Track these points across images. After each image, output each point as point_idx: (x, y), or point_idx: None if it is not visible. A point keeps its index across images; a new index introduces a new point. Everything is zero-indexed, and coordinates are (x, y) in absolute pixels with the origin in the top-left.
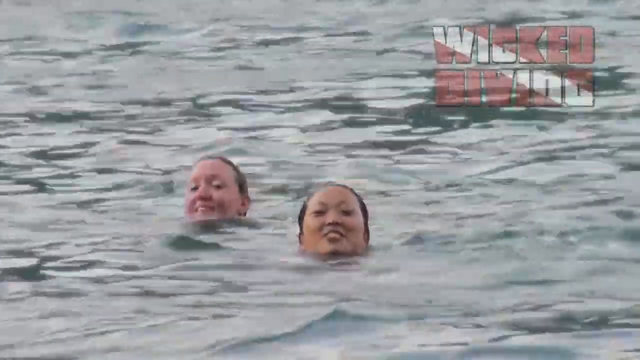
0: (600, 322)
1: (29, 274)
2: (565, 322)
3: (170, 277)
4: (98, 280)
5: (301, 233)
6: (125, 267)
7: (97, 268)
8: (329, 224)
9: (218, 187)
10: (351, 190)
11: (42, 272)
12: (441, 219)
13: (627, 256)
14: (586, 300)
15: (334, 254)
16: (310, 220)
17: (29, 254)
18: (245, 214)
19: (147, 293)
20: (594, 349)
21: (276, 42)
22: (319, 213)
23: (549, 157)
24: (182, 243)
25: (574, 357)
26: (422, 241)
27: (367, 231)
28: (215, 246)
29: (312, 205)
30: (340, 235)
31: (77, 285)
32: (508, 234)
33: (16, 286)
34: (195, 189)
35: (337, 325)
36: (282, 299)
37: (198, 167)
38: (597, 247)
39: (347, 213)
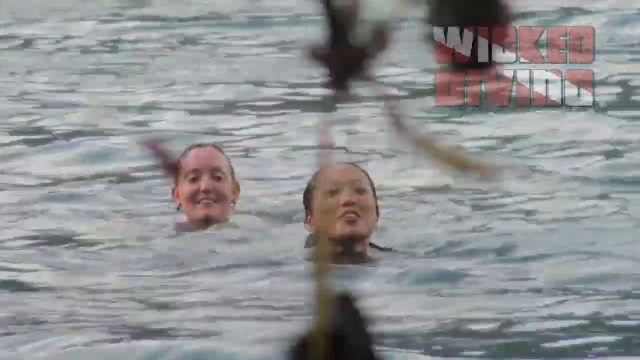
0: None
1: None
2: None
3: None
4: (99, 290)
5: (308, 214)
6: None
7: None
8: (345, 204)
9: (218, 178)
10: (360, 168)
11: (31, 272)
12: (439, 220)
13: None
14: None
15: (351, 237)
16: (322, 200)
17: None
18: (234, 202)
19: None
20: None
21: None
22: (333, 192)
23: (549, 157)
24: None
25: None
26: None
27: (377, 209)
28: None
29: (324, 184)
30: (357, 215)
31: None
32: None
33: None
34: (194, 179)
35: None
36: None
37: (196, 156)
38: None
39: (360, 192)
